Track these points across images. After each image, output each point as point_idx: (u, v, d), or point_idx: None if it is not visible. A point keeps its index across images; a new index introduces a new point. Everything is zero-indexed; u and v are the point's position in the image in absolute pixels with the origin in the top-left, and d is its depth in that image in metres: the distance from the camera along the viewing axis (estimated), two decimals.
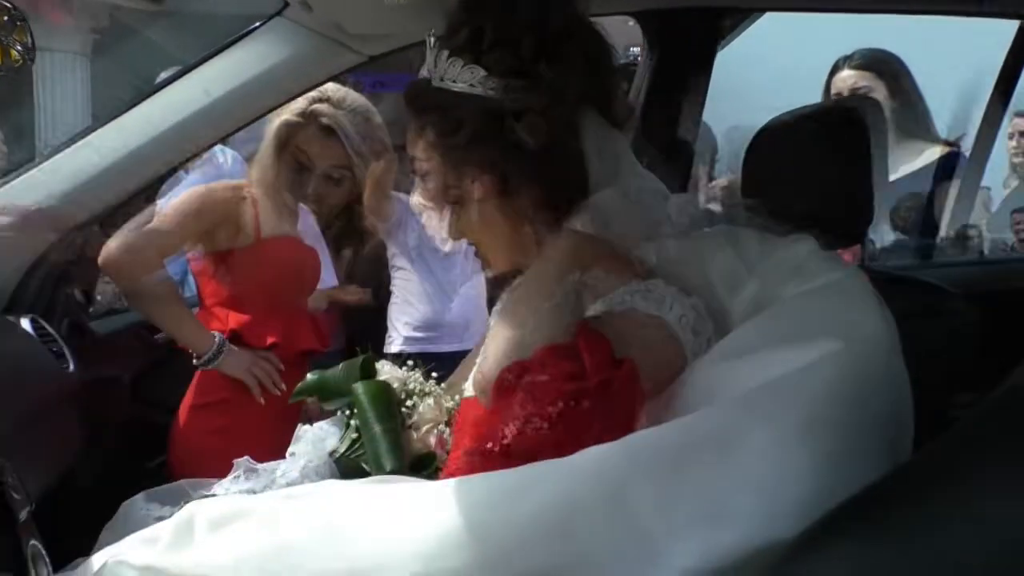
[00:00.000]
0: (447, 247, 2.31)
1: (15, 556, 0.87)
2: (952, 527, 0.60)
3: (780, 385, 0.78)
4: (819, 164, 1.15)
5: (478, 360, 0.93)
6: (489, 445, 0.78)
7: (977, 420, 0.65)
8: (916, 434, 0.84)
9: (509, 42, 0.91)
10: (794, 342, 0.82)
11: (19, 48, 1.08)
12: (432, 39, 0.98)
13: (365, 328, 2.57)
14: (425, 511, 0.78)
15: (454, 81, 0.93)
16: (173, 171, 1.55)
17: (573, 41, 0.94)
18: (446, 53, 0.93)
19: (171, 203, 1.65)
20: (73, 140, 1.47)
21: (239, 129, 1.56)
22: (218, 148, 2.35)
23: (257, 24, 1.44)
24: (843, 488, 0.67)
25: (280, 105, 1.57)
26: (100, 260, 1.54)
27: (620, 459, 0.76)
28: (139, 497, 1.17)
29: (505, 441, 0.78)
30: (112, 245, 1.53)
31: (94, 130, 1.47)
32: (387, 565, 0.75)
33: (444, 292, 2.44)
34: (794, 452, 0.74)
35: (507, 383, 0.81)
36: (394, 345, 2.43)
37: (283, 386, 1.59)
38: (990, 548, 0.58)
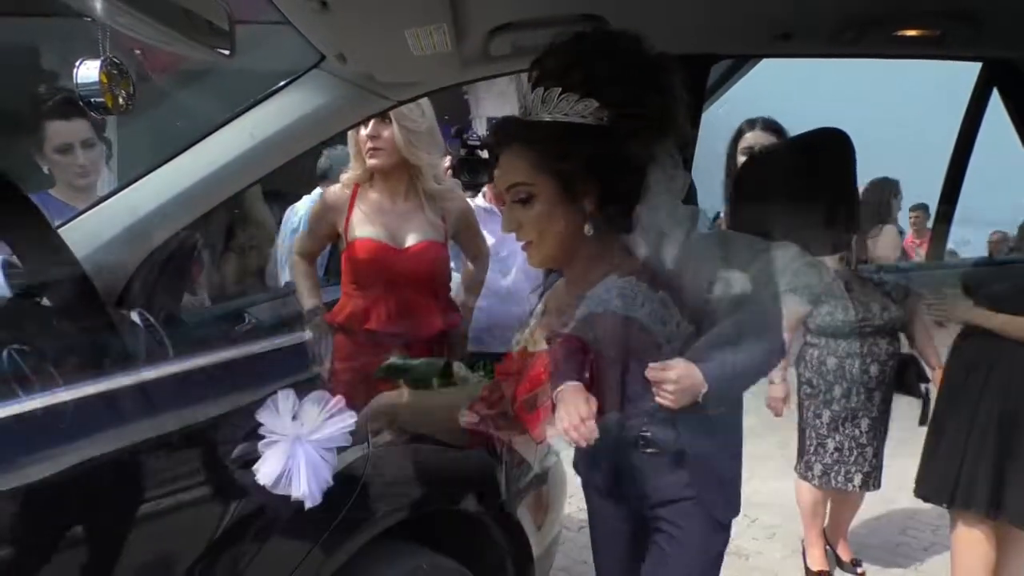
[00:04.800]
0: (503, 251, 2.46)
1: None
2: None
3: None
4: (809, 180, 1.29)
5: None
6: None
7: None
8: None
9: (623, 78, 1.04)
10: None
11: (123, 95, 1.19)
12: (529, 81, 1.08)
13: None
14: None
15: (566, 115, 1.05)
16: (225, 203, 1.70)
17: (667, 72, 1.08)
18: (558, 91, 1.04)
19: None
20: (138, 177, 1.63)
21: (279, 166, 1.67)
22: None
23: (298, 75, 1.57)
24: None
25: (316, 145, 1.70)
26: None
27: None
28: None
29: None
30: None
31: (156, 168, 1.62)
32: None
33: (498, 296, 2.51)
34: None
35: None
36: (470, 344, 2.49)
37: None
38: None
